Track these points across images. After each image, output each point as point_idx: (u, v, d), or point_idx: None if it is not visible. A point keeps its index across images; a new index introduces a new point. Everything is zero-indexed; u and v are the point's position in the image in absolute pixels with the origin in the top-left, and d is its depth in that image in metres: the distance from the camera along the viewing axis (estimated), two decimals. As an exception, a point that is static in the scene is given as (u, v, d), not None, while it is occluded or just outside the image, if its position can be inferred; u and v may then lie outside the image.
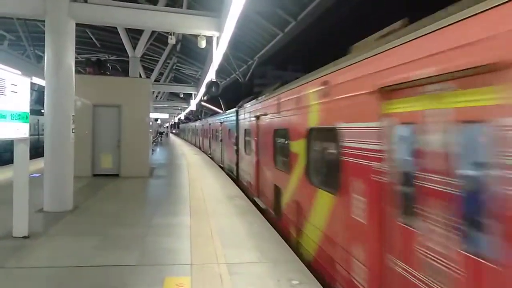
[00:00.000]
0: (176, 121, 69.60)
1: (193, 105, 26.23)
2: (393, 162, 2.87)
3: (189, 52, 20.71)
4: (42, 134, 7.35)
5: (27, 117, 5.05)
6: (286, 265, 4.30)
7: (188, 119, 51.35)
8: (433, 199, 2.44)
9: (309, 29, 10.72)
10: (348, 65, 3.71)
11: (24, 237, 5.05)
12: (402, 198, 2.79)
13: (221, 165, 15.51)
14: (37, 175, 9.09)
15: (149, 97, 12.51)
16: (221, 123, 16.38)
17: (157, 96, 34.77)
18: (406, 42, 2.72)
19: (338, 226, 3.88)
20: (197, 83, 24.88)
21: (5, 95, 4.47)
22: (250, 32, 13.48)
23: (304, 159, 5.11)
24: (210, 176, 12.01)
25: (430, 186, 2.47)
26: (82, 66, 18.96)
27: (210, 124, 21.82)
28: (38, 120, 24.25)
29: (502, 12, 1.85)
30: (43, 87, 6.92)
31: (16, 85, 4.73)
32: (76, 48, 7.34)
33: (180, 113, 47.08)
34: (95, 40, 21.06)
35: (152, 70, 22.72)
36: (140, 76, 19.11)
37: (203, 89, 15.68)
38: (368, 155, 3.19)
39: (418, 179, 2.59)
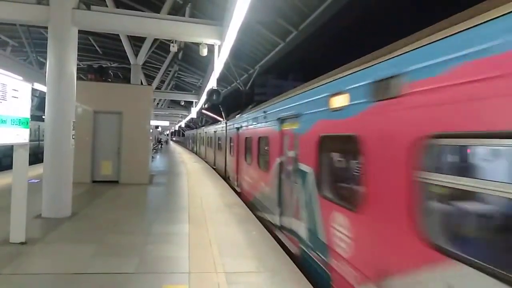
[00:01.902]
0: (177, 128, 69.42)
1: (193, 113, 26.25)
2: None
3: (191, 60, 20.83)
4: (43, 140, 7.35)
5: (27, 123, 5.05)
6: (284, 274, 4.26)
7: (188, 127, 50.34)
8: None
9: (310, 38, 10.78)
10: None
11: (21, 243, 5.01)
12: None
13: None
14: (36, 180, 9.06)
15: (150, 104, 12.54)
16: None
17: (158, 104, 34.88)
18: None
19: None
20: (198, 91, 24.97)
21: (6, 100, 4.47)
22: (251, 41, 13.56)
23: None
24: (209, 184, 11.98)
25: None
26: (84, 73, 19.06)
27: (267, 121, 7.59)
28: (39, 126, 24.31)
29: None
30: (45, 93, 6.94)
31: (17, 91, 4.74)
32: (78, 55, 7.39)
33: (181, 121, 47.11)
34: (97, 47, 21.21)
35: (153, 78, 22.82)
36: (142, 83, 19.19)
37: (204, 97, 15.70)
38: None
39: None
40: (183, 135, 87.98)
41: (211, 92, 9.24)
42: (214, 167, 18.85)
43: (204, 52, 8.22)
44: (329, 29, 10.05)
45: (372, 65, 3.42)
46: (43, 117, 7.22)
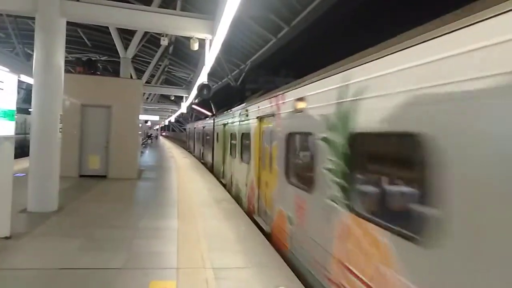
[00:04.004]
0: (167, 123, 68.76)
1: (183, 108, 26.10)
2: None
3: (181, 54, 20.67)
4: (29, 134, 7.22)
5: (13, 115, 4.95)
6: (272, 270, 4.27)
7: (184, 118, 49.32)
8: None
9: (302, 35, 10.78)
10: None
11: (6, 238, 4.91)
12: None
13: None
14: (22, 174, 8.91)
15: (139, 99, 12.40)
16: None
17: (147, 98, 34.56)
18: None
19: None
20: (188, 86, 24.80)
21: (-10, 91, 4.37)
22: (243, 36, 13.50)
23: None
24: (199, 179, 11.94)
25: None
26: (72, 66, 18.74)
27: None
28: (25, 119, 23.89)
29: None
30: (32, 85, 6.81)
31: (3, 82, 4.64)
32: (66, 47, 7.25)
33: (171, 115, 46.77)
34: (86, 40, 20.88)
35: (143, 72, 22.59)
36: (131, 77, 18.96)
37: (194, 91, 15.60)
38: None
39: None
40: (173, 130, 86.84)
41: (202, 86, 9.18)
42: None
43: (195, 46, 8.15)
44: (321, 26, 10.06)
45: None
46: (30, 110, 7.09)
